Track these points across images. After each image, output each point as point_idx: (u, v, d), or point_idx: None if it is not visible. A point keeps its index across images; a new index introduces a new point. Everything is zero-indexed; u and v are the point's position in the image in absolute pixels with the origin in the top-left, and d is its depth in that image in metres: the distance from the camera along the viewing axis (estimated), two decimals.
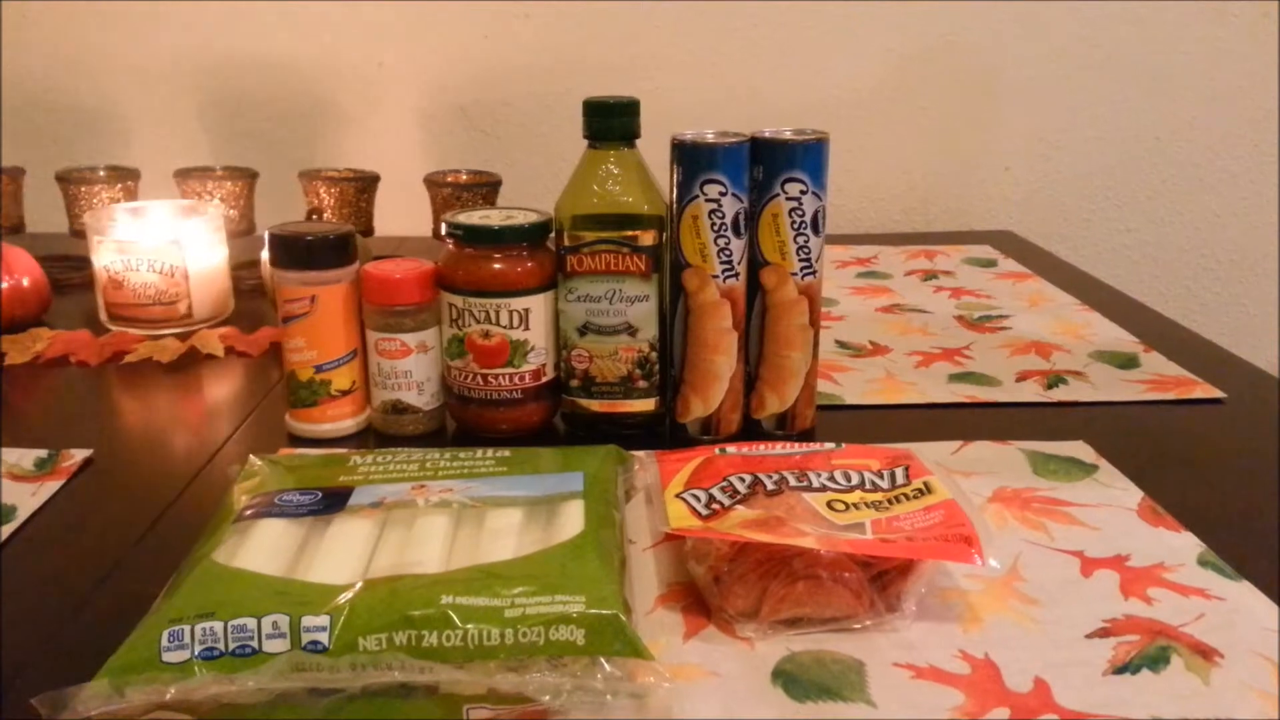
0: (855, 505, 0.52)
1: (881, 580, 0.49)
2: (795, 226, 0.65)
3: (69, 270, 1.04)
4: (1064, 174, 1.31)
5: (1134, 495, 0.61)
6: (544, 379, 0.68)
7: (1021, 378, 0.79)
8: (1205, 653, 0.47)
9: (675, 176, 0.65)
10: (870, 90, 1.27)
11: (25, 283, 0.91)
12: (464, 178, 1.05)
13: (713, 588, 0.49)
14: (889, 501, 0.53)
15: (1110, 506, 0.60)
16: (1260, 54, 1.26)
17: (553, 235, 0.67)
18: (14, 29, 1.26)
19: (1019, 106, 1.28)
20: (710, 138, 0.64)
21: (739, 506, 0.52)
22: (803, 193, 0.65)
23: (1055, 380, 0.79)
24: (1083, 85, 1.28)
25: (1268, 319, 1.36)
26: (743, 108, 1.26)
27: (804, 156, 0.64)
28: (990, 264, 1.12)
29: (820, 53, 1.26)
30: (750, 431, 0.70)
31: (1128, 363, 0.83)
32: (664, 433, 0.70)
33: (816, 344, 0.69)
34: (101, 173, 1.05)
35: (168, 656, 0.42)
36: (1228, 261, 1.34)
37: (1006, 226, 1.31)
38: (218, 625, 0.42)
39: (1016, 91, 1.28)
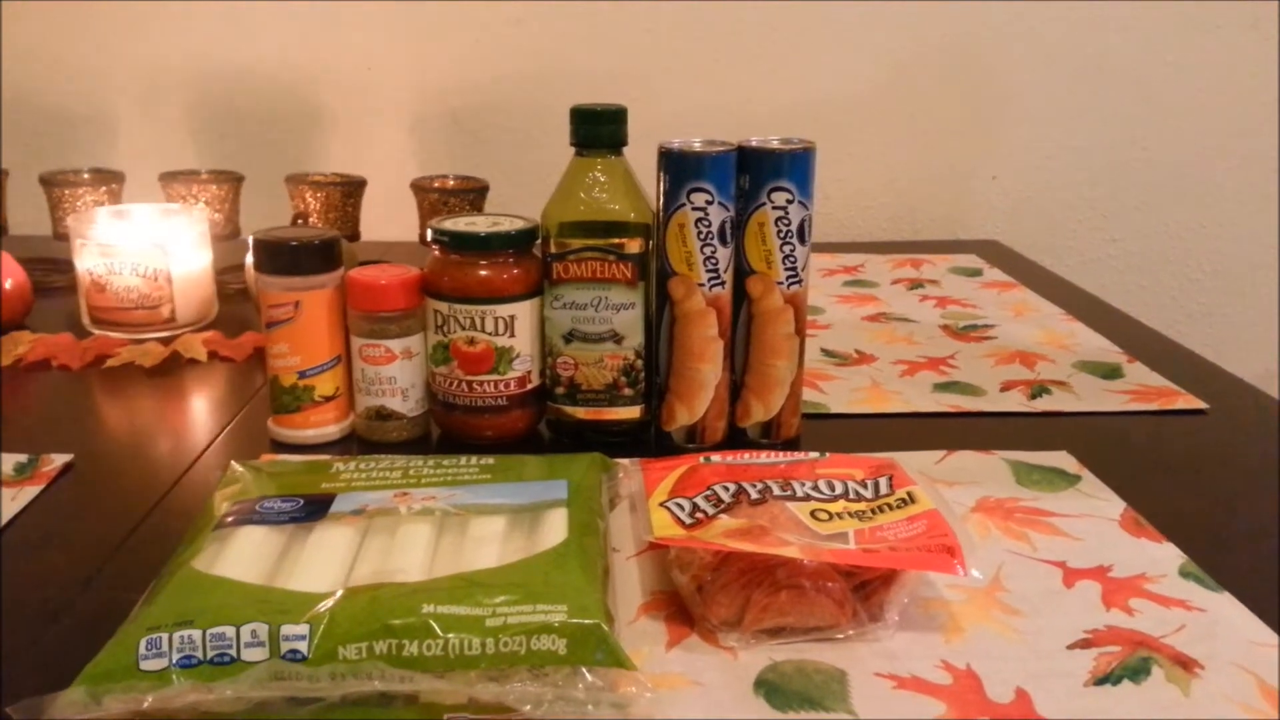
0: (839, 515, 0.52)
1: (864, 590, 0.49)
2: (781, 235, 0.65)
3: (52, 273, 1.03)
4: (1051, 184, 1.32)
5: (1116, 506, 0.61)
6: (529, 386, 0.68)
7: (1006, 387, 0.80)
8: (1186, 664, 0.47)
9: (662, 185, 0.65)
10: (858, 99, 1.28)
11: (8, 285, 0.90)
12: (451, 183, 1.05)
13: (696, 597, 0.49)
14: (872, 511, 0.53)
15: (1093, 517, 0.60)
16: (1249, 65, 1.27)
17: (539, 242, 0.67)
18: (1, 31, 1.25)
19: (1007, 116, 1.29)
20: (697, 146, 0.64)
21: (723, 516, 0.52)
22: (789, 202, 0.65)
23: (1039, 390, 0.79)
24: (1071, 95, 1.28)
25: (1252, 331, 1.37)
26: (730, 116, 1.26)
27: (791, 166, 0.64)
28: (976, 273, 1.13)
29: (808, 61, 1.26)
30: (735, 440, 0.69)
31: (1111, 373, 0.83)
32: (649, 440, 0.70)
33: (802, 353, 0.69)
34: (85, 175, 1.05)
35: (145, 665, 0.42)
36: (1213, 273, 1.35)
37: (993, 236, 1.32)
38: (196, 633, 0.42)
39: (1004, 101, 1.28)
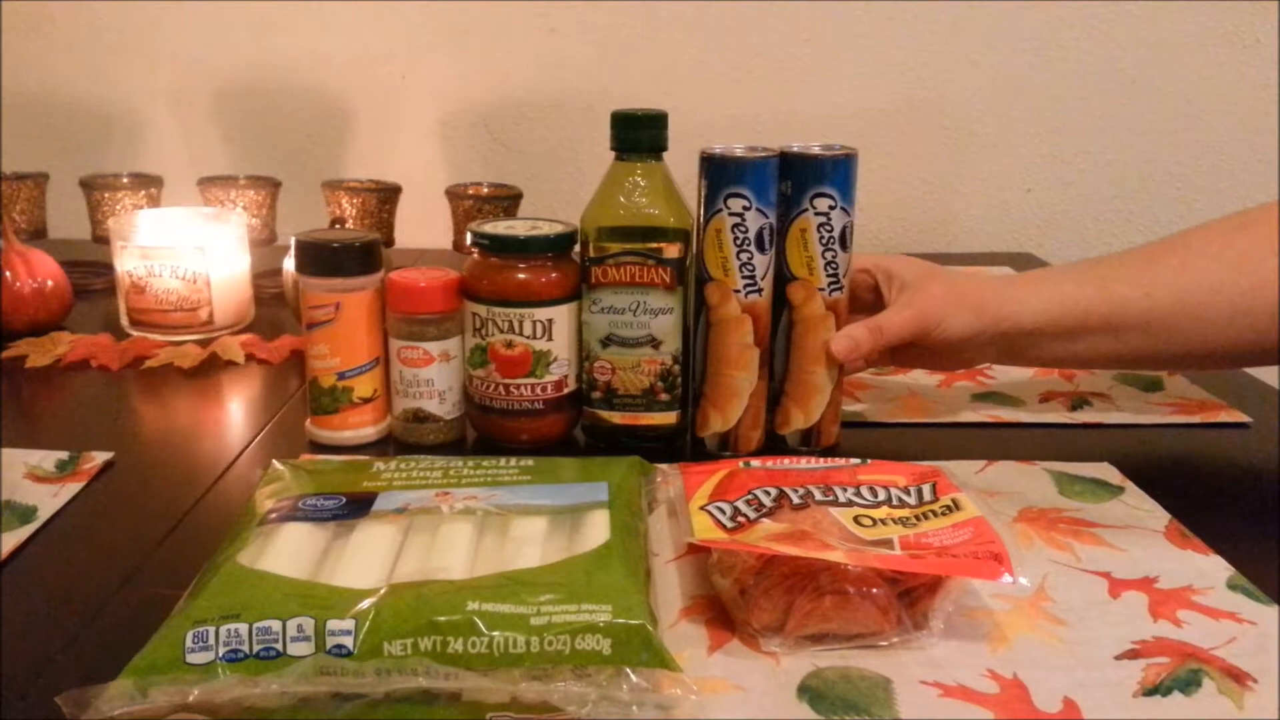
0: (883, 521, 0.52)
1: (908, 597, 0.49)
2: (823, 242, 0.65)
3: (90, 275, 1.04)
4: (1085, 197, 1.31)
5: (1161, 517, 0.61)
6: (566, 390, 0.68)
7: (1045, 398, 0.79)
8: (1238, 677, 0.46)
9: (701, 190, 0.65)
10: (892, 109, 1.27)
11: (49, 285, 0.91)
12: (485, 190, 1.06)
13: (738, 601, 0.49)
14: (917, 518, 0.52)
15: (1137, 528, 0.59)
16: None
17: (578, 246, 0.67)
18: (40, 35, 1.27)
19: (1041, 128, 1.28)
20: (739, 152, 0.64)
21: (764, 520, 0.52)
22: (831, 208, 0.65)
23: (1079, 402, 0.78)
24: (1105, 108, 1.28)
25: None
26: (763, 126, 1.26)
27: (833, 171, 0.64)
28: None
29: (842, 72, 1.26)
30: (774, 447, 0.69)
31: (1151, 385, 0.82)
32: (684, 446, 0.70)
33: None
34: (125, 179, 1.06)
35: (192, 658, 0.42)
36: None
37: (1027, 249, 1.31)
38: (243, 627, 0.42)
39: (1039, 113, 1.28)
